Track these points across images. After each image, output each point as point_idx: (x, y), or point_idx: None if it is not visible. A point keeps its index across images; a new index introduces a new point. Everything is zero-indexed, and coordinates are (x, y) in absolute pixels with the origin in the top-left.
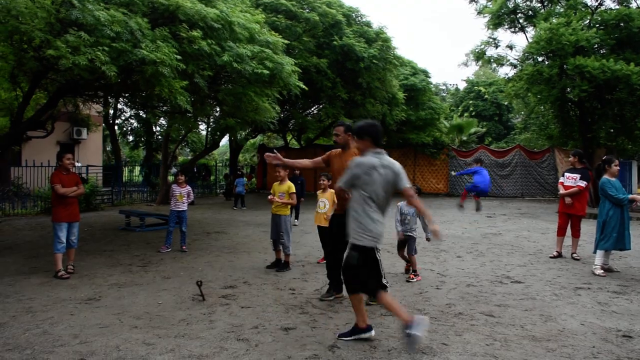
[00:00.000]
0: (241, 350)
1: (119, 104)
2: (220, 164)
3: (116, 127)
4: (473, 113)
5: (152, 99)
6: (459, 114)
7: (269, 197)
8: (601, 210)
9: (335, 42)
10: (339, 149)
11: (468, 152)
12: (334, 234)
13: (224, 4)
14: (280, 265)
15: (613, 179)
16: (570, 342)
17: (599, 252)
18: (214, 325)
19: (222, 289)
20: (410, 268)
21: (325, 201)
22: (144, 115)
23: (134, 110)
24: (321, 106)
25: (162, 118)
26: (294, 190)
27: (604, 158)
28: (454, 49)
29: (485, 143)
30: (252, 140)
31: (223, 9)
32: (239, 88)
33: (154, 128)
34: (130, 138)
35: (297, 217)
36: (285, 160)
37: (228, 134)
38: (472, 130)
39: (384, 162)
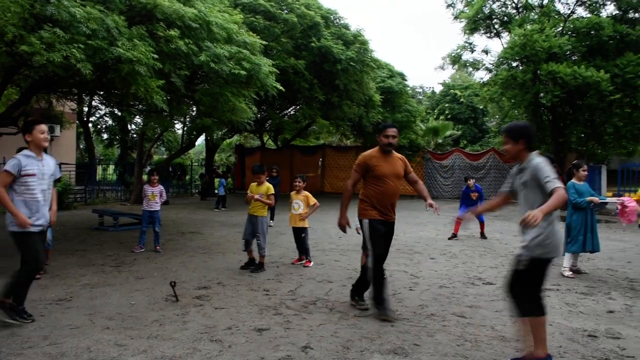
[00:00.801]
0: (214, 351)
1: (93, 102)
2: (196, 164)
3: (90, 125)
4: (449, 116)
5: (127, 97)
6: (434, 116)
7: (248, 194)
8: (567, 213)
9: (313, 44)
10: (372, 152)
11: (443, 155)
12: (389, 239)
13: (202, 4)
14: (254, 265)
15: (580, 183)
16: None
17: (567, 255)
18: (187, 326)
19: (196, 289)
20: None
21: (300, 202)
22: (119, 114)
23: (108, 108)
24: (298, 107)
25: (137, 116)
26: (273, 192)
27: (573, 162)
28: (430, 53)
29: (460, 146)
30: (228, 140)
31: (201, 8)
32: (216, 88)
33: (129, 126)
34: (105, 136)
35: (272, 218)
36: (345, 218)
37: (204, 134)
38: (448, 133)
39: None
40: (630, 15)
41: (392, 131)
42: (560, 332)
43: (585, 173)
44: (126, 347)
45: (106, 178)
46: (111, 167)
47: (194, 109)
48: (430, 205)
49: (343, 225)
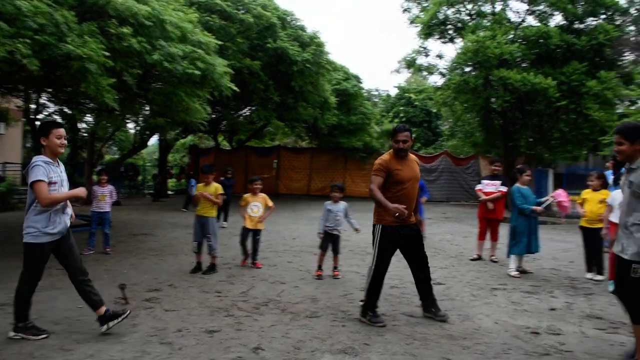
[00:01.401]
0: (164, 354)
1: (41, 99)
2: (149, 164)
3: (38, 123)
4: (403, 119)
5: (77, 95)
6: (389, 119)
7: (198, 193)
8: (512, 216)
9: (269, 45)
10: (389, 157)
11: None
12: (414, 241)
13: (157, 2)
14: (201, 270)
15: (524, 187)
16: (485, 339)
17: (512, 257)
18: (137, 329)
19: (146, 292)
20: (333, 265)
21: (259, 205)
22: (69, 112)
23: (58, 106)
24: (253, 108)
25: (88, 115)
26: (222, 192)
27: (517, 167)
28: (390, 56)
29: (414, 148)
30: (182, 141)
31: (155, 6)
32: (170, 88)
33: (79, 125)
34: None
35: (225, 219)
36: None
37: (157, 134)
38: None
39: None
40: (576, 25)
41: (402, 135)
42: (505, 329)
43: (529, 177)
44: (72, 351)
45: None
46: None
47: (147, 108)
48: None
49: (399, 210)
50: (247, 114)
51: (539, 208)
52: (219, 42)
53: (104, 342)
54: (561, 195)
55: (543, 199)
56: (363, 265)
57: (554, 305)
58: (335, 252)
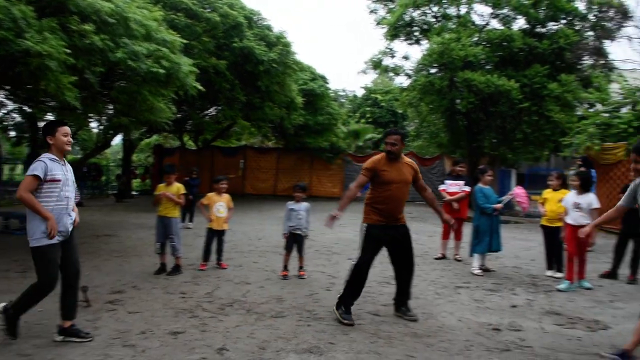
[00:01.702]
0: (127, 357)
1: None
2: (113, 164)
3: None
4: (370, 120)
5: (37, 93)
6: (356, 120)
7: (160, 193)
8: (475, 215)
9: (235, 44)
10: (380, 158)
11: (363, 157)
12: (399, 243)
13: None
14: (166, 271)
15: (486, 187)
16: (448, 337)
17: (476, 255)
18: (99, 332)
19: (109, 294)
20: (299, 265)
21: (224, 205)
22: (28, 110)
23: (16, 104)
24: (219, 108)
25: (48, 114)
26: (184, 191)
27: (479, 167)
28: (358, 57)
29: (380, 149)
30: (147, 140)
31: (119, 3)
32: (134, 86)
33: (39, 124)
34: (12, 134)
35: (191, 220)
36: (341, 212)
37: (121, 133)
38: (368, 136)
39: None
40: (538, 29)
41: (391, 138)
42: (468, 327)
43: (491, 177)
44: (31, 357)
45: (13, 178)
46: (20, 167)
47: (111, 107)
48: (446, 221)
49: (333, 217)
50: (213, 113)
51: (499, 206)
52: (184, 41)
53: (65, 347)
54: (520, 194)
55: (503, 197)
56: (329, 265)
57: (515, 302)
58: (300, 252)
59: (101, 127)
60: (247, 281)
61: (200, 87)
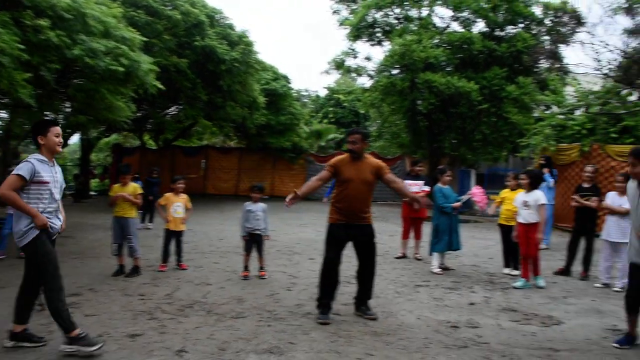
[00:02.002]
0: None
1: None
2: (71, 164)
3: None
4: (332, 120)
5: None
6: (319, 120)
7: (118, 194)
8: (434, 215)
9: (197, 43)
10: (344, 157)
11: (325, 157)
12: (361, 243)
13: None
14: (124, 273)
15: (445, 187)
16: (407, 334)
17: (435, 254)
18: (53, 337)
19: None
20: (259, 266)
21: (181, 205)
22: None
23: None
24: (180, 107)
25: (2, 111)
26: (141, 191)
27: (438, 168)
28: (324, 57)
29: (343, 149)
30: (106, 139)
31: None
32: (91, 84)
33: None
34: None
35: (151, 220)
36: (300, 194)
37: (79, 132)
38: (331, 136)
39: None
40: (497, 33)
41: (352, 137)
42: (427, 324)
43: (450, 177)
44: None
45: None
46: None
47: (68, 105)
48: (414, 202)
49: (293, 197)
50: (174, 112)
51: (458, 204)
52: (144, 39)
53: (16, 352)
54: (478, 193)
55: (462, 197)
56: (290, 265)
57: (473, 300)
58: (260, 252)
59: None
60: (207, 282)
61: (161, 86)
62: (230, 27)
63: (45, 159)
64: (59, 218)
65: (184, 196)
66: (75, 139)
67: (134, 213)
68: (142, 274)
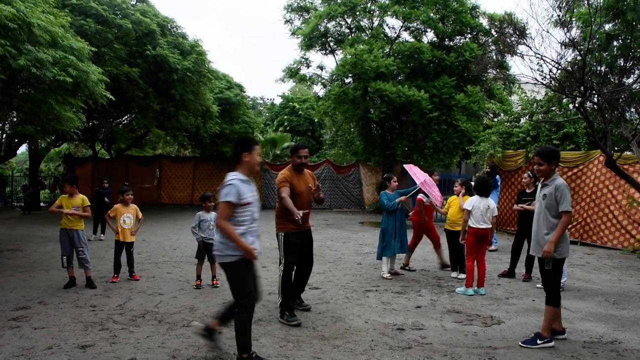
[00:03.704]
0: None
1: None
2: (19, 174)
3: None
4: (287, 128)
5: None
6: (273, 128)
7: (67, 211)
8: (382, 219)
9: (148, 52)
10: (287, 171)
11: (281, 166)
12: (304, 247)
13: (23, 3)
14: (75, 284)
15: (391, 193)
16: (354, 338)
17: (384, 259)
18: (0, 351)
19: (12, 311)
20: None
21: (131, 216)
22: None
23: None
24: (133, 116)
25: None
26: (89, 203)
27: (384, 176)
28: (278, 64)
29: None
30: (57, 149)
31: (20, 7)
32: (39, 95)
33: None
34: None
35: (103, 232)
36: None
37: (27, 142)
38: (286, 144)
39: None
40: (446, 43)
41: (304, 152)
42: (374, 327)
43: (396, 184)
44: None
45: None
46: None
47: (15, 115)
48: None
49: (298, 215)
50: (127, 122)
51: (403, 198)
52: (94, 49)
53: None
54: (428, 182)
55: (411, 189)
56: None
57: (420, 303)
58: (212, 260)
59: (4, 135)
60: (160, 292)
61: (111, 96)
62: (183, 36)
63: (246, 178)
64: (259, 238)
65: (133, 206)
66: (23, 148)
67: (82, 225)
68: (96, 286)
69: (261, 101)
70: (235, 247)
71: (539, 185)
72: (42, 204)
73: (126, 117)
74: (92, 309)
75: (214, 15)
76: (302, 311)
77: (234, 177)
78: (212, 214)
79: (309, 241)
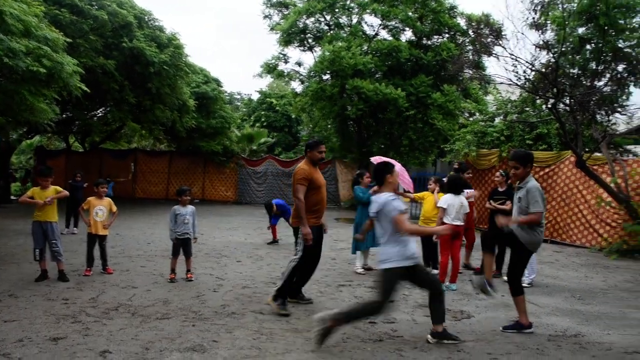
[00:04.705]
0: None
1: None
2: None
3: None
4: (265, 124)
5: None
6: (250, 123)
7: (46, 199)
8: (357, 214)
9: (124, 44)
10: (307, 166)
11: (257, 161)
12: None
13: None
14: (47, 277)
15: (364, 188)
16: None
17: (358, 254)
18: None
19: None
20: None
21: (104, 209)
22: None
23: None
24: (108, 109)
25: None
26: (61, 190)
27: (357, 172)
28: (254, 60)
29: (274, 153)
30: (29, 141)
31: None
32: (11, 85)
33: None
34: None
35: (76, 225)
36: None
37: None
38: (262, 140)
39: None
40: (424, 42)
41: (323, 147)
42: None
43: (369, 180)
44: None
45: None
46: None
47: None
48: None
49: (311, 236)
50: (102, 115)
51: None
52: (69, 40)
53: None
54: (399, 171)
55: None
56: (218, 267)
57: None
58: (188, 255)
59: None
60: (133, 285)
61: (86, 88)
62: (160, 29)
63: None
64: None
65: (107, 199)
66: None
67: (56, 217)
68: (69, 279)
69: (238, 96)
70: (404, 256)
71: (516, 189)
72: (12, 197)
73: (101, 110)
74: (65, 302)
75: (191, 9)
76: (306, 305)
77: (390, 195)
78: (188, 208)
79: (322, 236)
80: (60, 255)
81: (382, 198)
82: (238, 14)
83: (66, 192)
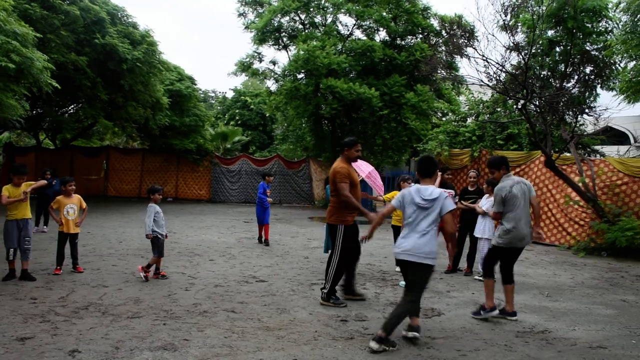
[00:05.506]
0: None
1: None
2: None
3: None
4: (239, 122)
5: None
6: (225, 122)
7: (21, 197)
8: None
9: (97, 40)
10: (345, 164)
11: (231, 160)
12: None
13: None
14: (16, 276)
15: None
16: (298, 329)
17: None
18: None
19: None
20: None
21: (74, 207)
22: None
23: None
24: (79, 106)
25: None
26: (32, 183)
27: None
28: (228, 58)
29: (249, 152)
30: None
31: None
32: None
33: None
34: None
35: (46, 223)
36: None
37: None
38: (237, 138)
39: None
40: (398, 42)
41: (360, 146)
42: (318, 319)
43: None
44: None
45: None
46: None
47: None
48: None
49: (377, 217)
50: (73, 111)
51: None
52: (39, 35)
53: None
54: (372, 175)
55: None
56: (190, 266)
57: (364, 295)
58: (160, 254)
59: None
60: (104, 284)
61: (56, 84)
62: (134, 25)
63: None
64: None
65: (76, 197)
66: None
67: (30, 214)
68: (35, 278)
69: (213, 94)
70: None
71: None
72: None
73: (72, 106)
74: (33, 302)
75: (165, 6)
76: (355, 301)
77: (444, 191)
78: (158, 207)
79: (358, 231)
80: (29, 253)
81: (438, 191)
82: (215, 12)
83: (44, 181)
